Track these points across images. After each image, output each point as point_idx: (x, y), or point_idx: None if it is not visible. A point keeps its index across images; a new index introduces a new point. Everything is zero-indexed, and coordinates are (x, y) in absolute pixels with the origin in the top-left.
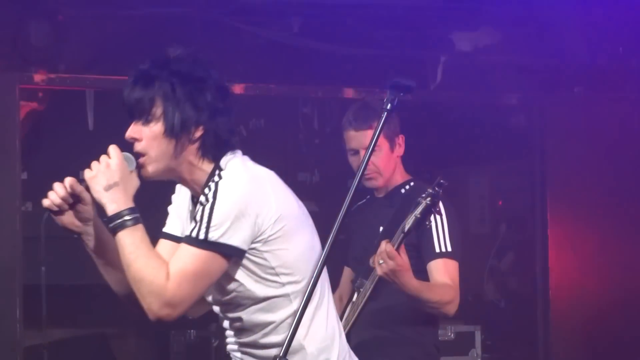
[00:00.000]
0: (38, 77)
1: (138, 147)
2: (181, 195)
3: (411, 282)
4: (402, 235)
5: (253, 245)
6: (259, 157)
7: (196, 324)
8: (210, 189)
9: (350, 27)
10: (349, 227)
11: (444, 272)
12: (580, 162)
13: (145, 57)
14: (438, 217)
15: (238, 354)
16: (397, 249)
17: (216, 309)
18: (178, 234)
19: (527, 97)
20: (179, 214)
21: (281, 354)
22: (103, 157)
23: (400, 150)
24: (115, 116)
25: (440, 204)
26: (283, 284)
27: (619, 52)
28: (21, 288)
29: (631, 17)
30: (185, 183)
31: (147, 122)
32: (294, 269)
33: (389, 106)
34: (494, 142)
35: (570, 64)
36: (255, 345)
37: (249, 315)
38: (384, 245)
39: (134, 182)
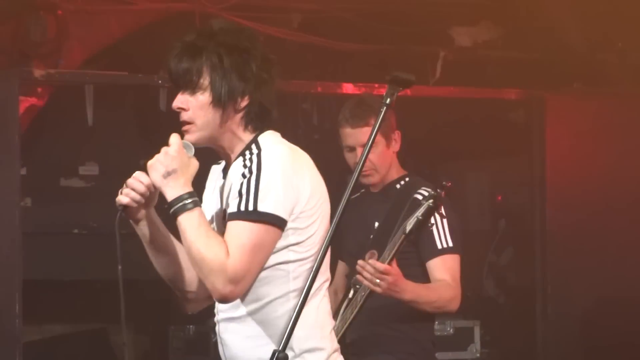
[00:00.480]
0: (37, 73)
1: (185, 116)
2: (213, 176)
3: (407, 286)
4: (403, 236)
5: None
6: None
7: (195, 320)
8: (252, 162)
9: (349, 22)
10: (342, 221)
11: (444, 270)
12: (579, 157)
13: (145, 52)
14: (437, 217)
15: (223, 330)
16: (397, 252)
17: None
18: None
19: (526, 92)
20: (208, 198)
21: (280, 348)
22: (164, 148)
23: (396, 146)
24: (115, 111)
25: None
26: (289, 262)
27: (618, 47)
28: (20, 283)
29: (630, 12)
30: (221, 151)
31: (194, 92)
32: (304, 249)
33: (388, 100)
34: (493, 138)
35: (569, 60)
36: (240, 320)
37: None
38: (377, 265)
39: (193, 168)
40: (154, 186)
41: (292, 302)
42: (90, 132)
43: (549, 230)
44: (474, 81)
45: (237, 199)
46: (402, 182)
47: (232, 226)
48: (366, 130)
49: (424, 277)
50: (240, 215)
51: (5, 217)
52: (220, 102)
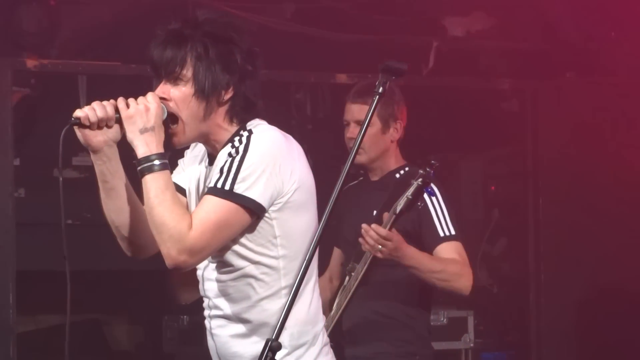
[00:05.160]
0: (30, 63)
1: (169, 108)
2: (195, 152)
3: (409, 250)
4: (394, 216)
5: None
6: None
7: (189, 310)
8: (241, 142)
9: (342, 12)
10: (339, 208)
11: (450, 251)
12: (572, 147)
13: (138, 42)
14: (434, 199)
15: (214, 327)
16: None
17: (200, 272)
18: (183, 185)
19: (519, 82)
20: (188, 169)
21: (273, 337)
22: (141, 99)
23: (395, 135)
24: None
25: (433, 186)
26: (277, 257)
27: (611, 37)
28: (14, 274)
29: (623, 2)
30: (207, 143)
31: (176, 82)
32: (292, 243)
33: (380, 89)
34: (487, 128)
35: (562, 49)
36: (231, 318)
37: (235, 280)
38: (380, 231)
39: (163, 133)
40: (123, 131)
41: (283, 299)
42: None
43: (542, 220)
44: (467, 71)
45: (218, 175)
46: (402, 172)
47: (205, 200)
48: (362, 108)
49: None
50: (215, 191)
51: None
52: (204, 94)
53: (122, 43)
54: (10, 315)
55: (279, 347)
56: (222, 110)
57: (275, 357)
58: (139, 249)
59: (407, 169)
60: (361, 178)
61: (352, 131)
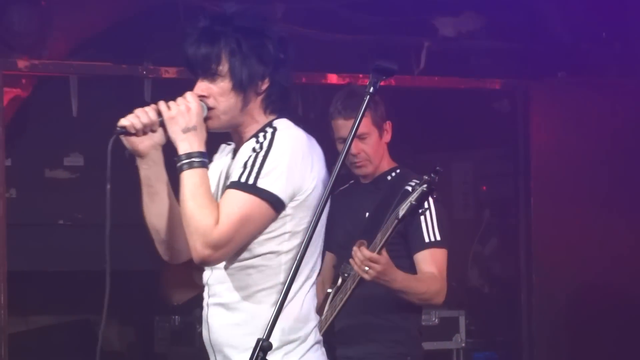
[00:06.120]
0: (21, 63)
1: (208, 103)
2: (223, 154)
3: (397, 276)
4: (396, 222)
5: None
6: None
7: (180, 310)
8: (265, 138)
9: (333, 12)
10: (330, 211)
11: (430, 262)
12: (563, 147)
13: (129, 43)
14: (426, 203)
15: (211, 315)
16: (389, 238)
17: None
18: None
19: (510, 82)
20: (212, 168)
21: (264, 337)
22: (181, 100)
23: (387, 136)
24: (99, 102)
25: None
26: (281, 252)
27: (602, 36)
28: (5, 274)
29: (614, 2)
30: (235, 134)
31: (213, 79)
32: (299, 241)
33: (371, 90)
34: (478, 128)
35: (553, 49)
36: (227, 307)
37: (237, 270)
38: (365, 253)
39: (205, 132)
40: (167, 135)
41: (278, 295)
42: (75, 123)
43: (534, 220)
44: (458, 71)
45: (241, 170)
46: (394, 174)
47: (228, 194)
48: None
49: (411, 269)
50: (238, 185)
51: None
52: (241, 87)
53: (113, 43)
54: (2, 316)
55: (269, 347)
56: (259, 100)
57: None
58: (176, 253)
59: (398, 170)
60: (352, 181)
61: (354, 147)
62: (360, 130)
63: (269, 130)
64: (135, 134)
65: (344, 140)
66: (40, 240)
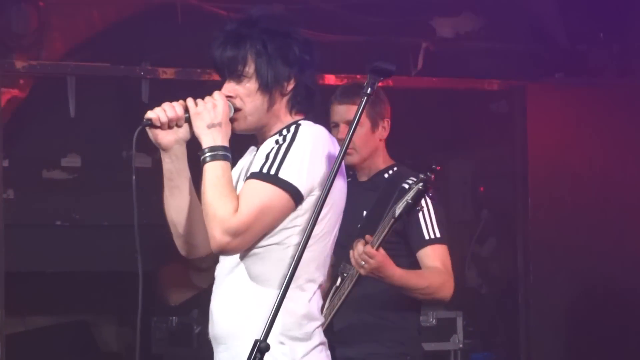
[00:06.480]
0: (19, 64)
1: (236, 104)
2: (248, 154)
3: (395, 272)
4: (393, 220)
5: None
6: (240, 143)
7: (178, 311)
8: (289, 131)
9: (331, 13)
10: None
11: (433, 258)
12: (561, 148)
13: (126, 43)
14: (424, 201)
15: (216, 306)
16: (386, 236)
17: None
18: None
19: (508, 83)
20: (236, 169)
21: (262, 337)
22: (209, 98)
23: (383, 133)
24: (97, 103)
25: None
26: (290, 246)
27: (600, 37)
28: (2, 275)
29: (612, 3)
30: (260, 133)
31: (240, 80)
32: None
33: (369, 90)
34: (476, 128)
35: (551, 50)
36: (232, 297)
37: (245, 259)
38: (362, 247)
39: (230, 130)
40: (192, 130)
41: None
42: (73, 123)
43: (531, 220)
44: (456, 72)
45: (263, 161)
46: (391, 172)
47: (249, 184)
48: (351, 108)
49: (411, 268)
50: (259, 175)
51: None
52: (267, 88)
53: (111, 44)
54: None
55: (267, 347)
56: (285, 100)
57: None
58: (193, 249)
59: (395, 168)
60: (349, 179)
61: (342, 132)
62: (350, 117)
63: (293, 126)
64: (161, 127)
65: (335, 124)
66: (38, 241)
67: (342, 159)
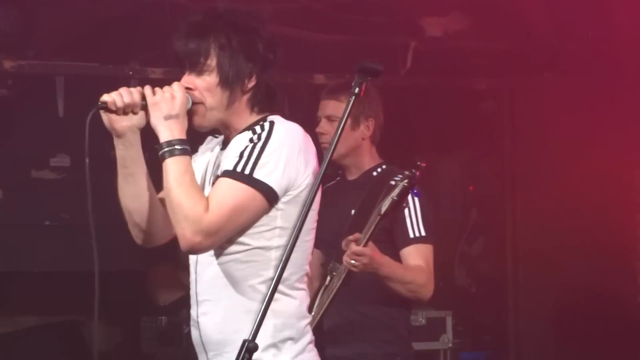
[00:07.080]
0: (7, 64)
1: (193, 96)
2: (209, 145)
3: (384, 261)
4: (379, 217)
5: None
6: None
7: (167, 311)
8: (263, 129)
9: (320, 13)
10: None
11: (417, 256)
12: (550, 147)
13: (115, 43)
14: (410, 199)
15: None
16: (372, 233)
17: (194, 258)
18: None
19: (497, 82)
20: (198, 160)
21: (250, 337)
22: (167, 88)
23: (366, 132)
24: (86, 102)
25: None
26: (271, 248)
27: (589, 37)
28: None
29: (600, 2)
30: (224, 130)
31: (200, 73)
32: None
33: (356, 90)
34: (464, 128)
35: (540, 49)
36: (217, 304)
37: (226, 265)
38: (352, 247)
39: (186, 122)
40: (148, 118)
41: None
42: (61, 123)
43: (520, 220)
44: (445, 71)
45: (236, 159)
46: (379, 170)
47: (222, 182)
48: (332, 104)
49: None
50: (233, 174)
51: None
52: (228, 83)
53: (99, 43)
54: None
55: (255, 347)
56: (245, 98)
57: (259, 348)
58: (148, 237)
59: (384, 167)
60: (338, 178)
61: (321, 126)
62: (331, 112)
63: (267, 123)
64: (115, 112)
65: (320, 118)
66: (27, 241)
67: (331, 156)
